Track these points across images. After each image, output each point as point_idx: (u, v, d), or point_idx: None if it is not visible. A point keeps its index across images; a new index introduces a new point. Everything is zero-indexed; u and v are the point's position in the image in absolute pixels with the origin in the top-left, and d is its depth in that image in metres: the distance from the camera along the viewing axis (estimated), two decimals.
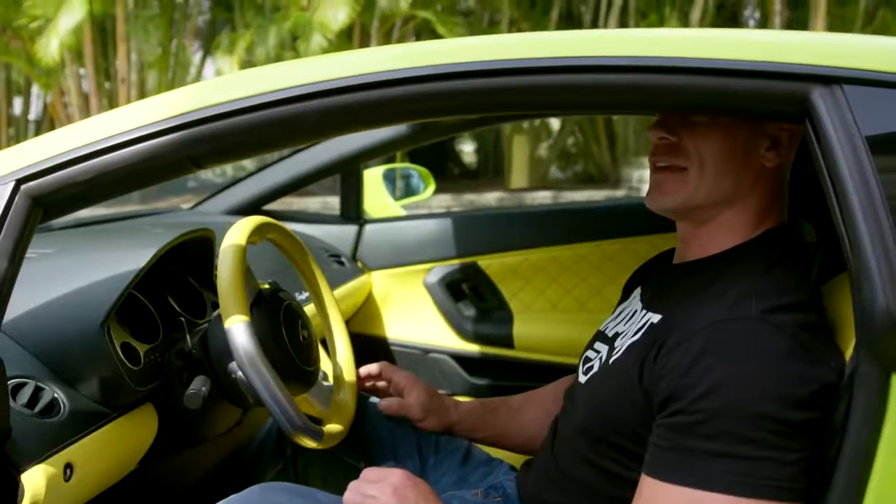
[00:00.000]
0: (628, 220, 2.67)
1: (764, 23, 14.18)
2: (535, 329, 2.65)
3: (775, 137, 1.24)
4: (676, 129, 1.26)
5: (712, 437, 1.06)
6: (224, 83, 1.20)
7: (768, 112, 1.13)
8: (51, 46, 11.70)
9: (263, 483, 1.39)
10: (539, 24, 13.96)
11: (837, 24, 12.95)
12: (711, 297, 1.17)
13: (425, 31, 13.62)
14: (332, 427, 1.50)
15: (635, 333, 1.27)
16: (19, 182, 1.16)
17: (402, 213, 3.31)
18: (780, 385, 1.05)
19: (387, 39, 13.65)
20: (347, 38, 12.83)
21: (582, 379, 1.38)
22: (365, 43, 13.20)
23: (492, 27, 14.59)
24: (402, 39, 14.01)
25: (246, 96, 1.15)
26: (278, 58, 11.58)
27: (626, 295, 1.50)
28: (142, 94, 12.97)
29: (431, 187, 3.58)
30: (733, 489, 1.04)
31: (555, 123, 16.53)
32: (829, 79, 1.06)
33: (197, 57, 15.42)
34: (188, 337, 1.54)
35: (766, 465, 1.04)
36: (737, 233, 1.26)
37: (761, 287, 1.15)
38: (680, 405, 1.09)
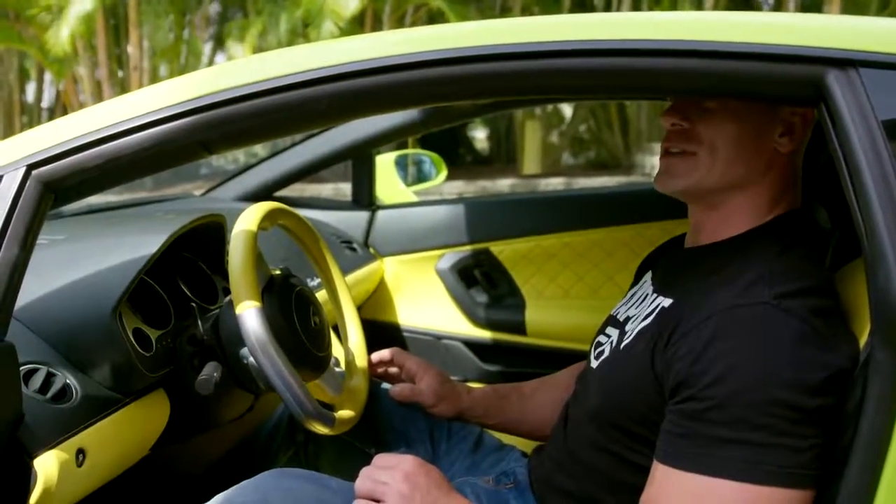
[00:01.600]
0: (641, 205, 2.66)
1: (778, 6, 14.10)
2: (547, 315, 2.65)
3: (789, 123, 1.23)
4: (689, 115, 1.25)
5: (724, 423, 1.05)
6: (235, 68, 1.20)
7: (782, 96, 1.12)
8: (62, 35, 11.71)
9: (275, 469, 1.39)
10: (551, 11, 13.88)
11: (851, 7, 12.84)
12: (722, 282, 1.16)
13: (437, 19, 13.58)
14: (344, 413, 1.50)
15: (646, 317, 1.26)
16: (30, 168, 1.16)
17: (414, 199, 3.30)
18: (793, 370, 1.05)
19: (399, 26, 13.61)
20: (359, 25, 12.81)
21: (594, 364, 1.37)
22: (376, 30, 13.18)
23: (503, 14, 14.54)
24: (413, 26, 13.96)
25: (257, 81, 1.14)
26: (289, 45, 11.57)
27: (637, 278, 1.50)
28: (154, 82, 12.94)
29: (443, 173, 3.57)
30: (745, 475, 1.04)
31: (567, 110, 16.48)
32: (845, 61, 1.05)
33: (209, 45, 15.41)
34: (200, 323, 1.54)
35: (779, 451, 1.04)
36: (749, 217, 1.26)
37: (772, 271, 1.14)
38: (692, 391, 1.09)
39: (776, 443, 1.04)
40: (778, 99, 1.16)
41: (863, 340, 1.07)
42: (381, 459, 1.30)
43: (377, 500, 1.25)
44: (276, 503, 1.31)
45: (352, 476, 1.32)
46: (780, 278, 1.12)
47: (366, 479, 1.27)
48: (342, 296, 1.77)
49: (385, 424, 1.69)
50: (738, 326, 1.09)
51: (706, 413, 1.07)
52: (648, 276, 1.42)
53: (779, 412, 1.04)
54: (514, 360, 2.68)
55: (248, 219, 1.46)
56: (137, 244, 1.55)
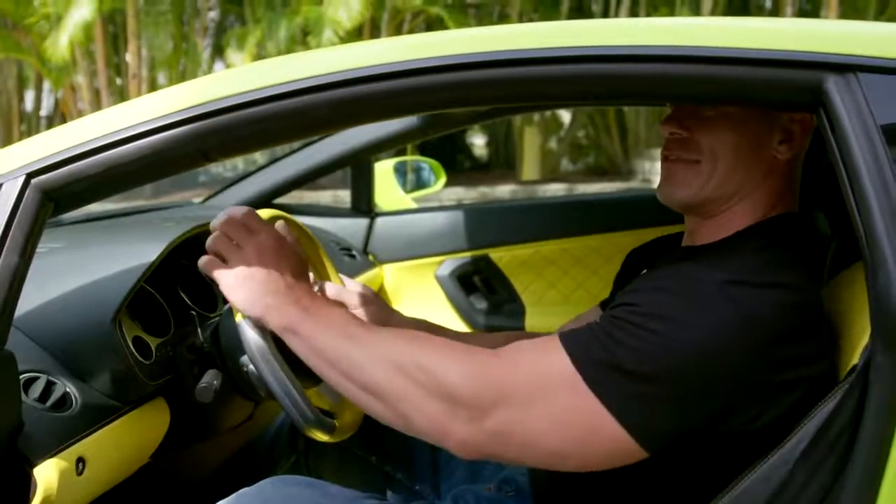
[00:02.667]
0: (640, 211, 2.65)
1: (776, 12, 14.10)
2: (546, 322, 2.64)
3: (788, 130, 1.24)
4: (687, 124, 1.26)
5: (618, 344, 1.08)
6: (234, 75, 1.20)
7: (782, 101, 1.13)
8: (60, 43, 11.73)
9: (276, 476, 1.38)
10: (549, 18, 13.90)
11: (850, 13, 12.86)
12: (697, 266, 1.18)
13: (435, 26, 13.59)
14: (345, 420, 1.49)
15: None
16: (30, 176, 1.16)
17: (414, 205, 3.30)
18: (700, 340, 1.07)
19: (397, 34, 13.63)
20: (357, 33, 12.83)
21: None
22: (375, 37, 13.19)
23: (502, 21, 14.55)
24: (412, 34, 13.97)
25: (256, 88, 1.14)
26: (289, 53, 11.57)
27: (631, 272, 1.48)
28: (153, 90, 12.97)
29: (442, 180, 3.57)
30: (597, 389, 1.07)
31: (566, 116, 16.49)
32: (844, 67, 1.06)
33: (207, 53, 15.42)
34: (199, 331, 1.54)
35: (639, 397, 1.07)
36: (744, 221, 1.26)
37: (741, 264, 1.15)
38: (615, 311, 1.13)
39: (643, 385, 1.07)
40: (777, 104, 1.16)
41: (861, 344, 1.07)
42: (242, 217, 1.29)
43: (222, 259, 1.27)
44: None
45: (353, 483, 1.32)
46: (742, 269, 1.14)
47: (222, 233, 1.28)
48: None
49: (386, 432, 1.68)
50: (680, 289, 1.12)
51: (612, 328, 1.10)
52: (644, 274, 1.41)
53: (661, 369, 1.07)
54: None
55: None
56: (137, 252, 1.55)
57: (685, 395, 1.08)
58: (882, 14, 13.23)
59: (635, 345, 1.08)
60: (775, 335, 1.09)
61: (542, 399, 1.09)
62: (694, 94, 1.16)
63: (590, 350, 1.10)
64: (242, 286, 1.24)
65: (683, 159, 1.27)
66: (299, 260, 1.31)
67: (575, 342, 1.12)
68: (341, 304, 1.30)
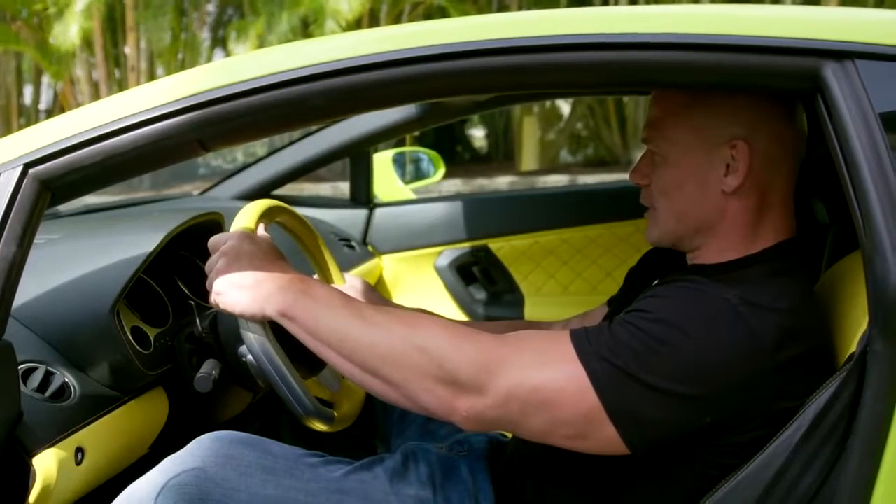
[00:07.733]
0: (639, 201, 2.65)
1: (776, 0, 14.08)
2: (546, 312, 2.65)
3: (730, 159, 1.21)
4: (645, 171, 1.31)
5: (624, 343, 1.11)
6: (232, 65, 1.20)
7: (779, 88, 1.13)
8: (69, 32, 11.68)
9: (216, 433, 1.36)
10: (548, 7, 13.88)
11: (849, 1, 12.82)
12: (709, 280, 1.19)
13: (434, 16, 13.55)
14: (343, 410, 1.50)
15: None
16: (27, 166, 1.16)
17: (413, 196, 3.30)
18: (703, 350, 1.09)
19: (397, 24, 13.58)
20: (356, 23, 12.80)
21: None
22: (374, 27, 13.13)
23: (501, 11, 14.50)
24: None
25: (254, 77, 1.15)
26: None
27: (647, 272, 1.48)
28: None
29: (441, 170, 3.57)
30: (597, 380, 1.10)
31: (565, 107, 16.46)
32: (842, 54, 1.06)
33: (206, 45, 15.38)
34: (198, 321, 1.54)
35: (634, 396, 1.09)
36: (735, 248, 1.25)
37: (752, 286, 1.16)
38: (626, 316, 1.16)
39: (639, 387, 1.09)
40: (774, 91, 1.16)
41: (859, 332, 1.07)
42: (211, 240, 1.35)
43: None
44: (215, 470, 1.29)
45: (310, 440, 1.32)
46: (753, 291, 1.14)
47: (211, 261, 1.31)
48: None
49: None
50: (690, 300, 1.15)
51: (620, 330, 1.13)
52: (656, 284, 1.41)
53: (660, 375, 1.09)
54: None
55: (246, 216, 1.46)
56: (135, 242, 1.55)
57: (679, 404, 1.10)
58: (881, 4, 13.20)
59: (639, 348, 1.10)
60: (779, 361, 1.10)
61: (542, 373, 1.12)
62: (693, 82, 1.16)
63: (595, 346, 1.12)
64: (234, 293, 1.26)
65: (646, 206, 1.32)
66: (280, 254, 1.33)
67: (582, 337, 1.14)
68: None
